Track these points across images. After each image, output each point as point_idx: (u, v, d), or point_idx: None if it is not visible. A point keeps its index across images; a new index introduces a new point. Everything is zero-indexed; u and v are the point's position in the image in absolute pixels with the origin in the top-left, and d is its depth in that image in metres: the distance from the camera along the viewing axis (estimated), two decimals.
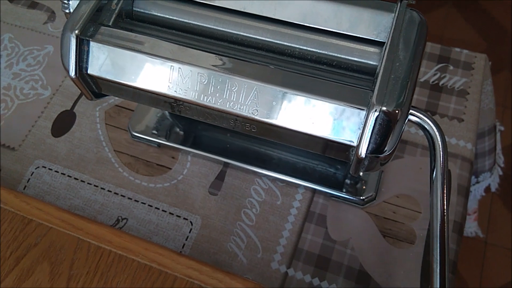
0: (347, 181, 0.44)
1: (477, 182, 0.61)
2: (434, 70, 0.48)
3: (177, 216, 0.43)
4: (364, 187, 0.43)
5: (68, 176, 0.46)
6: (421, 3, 1.42)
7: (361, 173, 0.29)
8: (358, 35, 0.31)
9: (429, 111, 0.46)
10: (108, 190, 0.45)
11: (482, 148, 0.57)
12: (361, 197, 0.41)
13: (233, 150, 0.46)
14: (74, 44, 0.31)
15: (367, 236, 0.41)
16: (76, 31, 0.31)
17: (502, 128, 0.63)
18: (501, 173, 0.63)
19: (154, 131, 0.47)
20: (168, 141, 0.46)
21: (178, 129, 0.48)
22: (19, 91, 0.52)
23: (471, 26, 1.40)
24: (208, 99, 0.30)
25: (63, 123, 0.49)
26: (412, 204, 0.42)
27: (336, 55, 0.32)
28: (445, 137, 0.44)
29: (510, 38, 1.37)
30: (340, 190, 0.43)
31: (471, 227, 0.75)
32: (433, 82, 0.48)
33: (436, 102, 0.47)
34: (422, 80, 0.48)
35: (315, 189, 0.43)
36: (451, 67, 0.48)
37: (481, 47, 1.36)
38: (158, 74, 0.31)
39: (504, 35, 1.38)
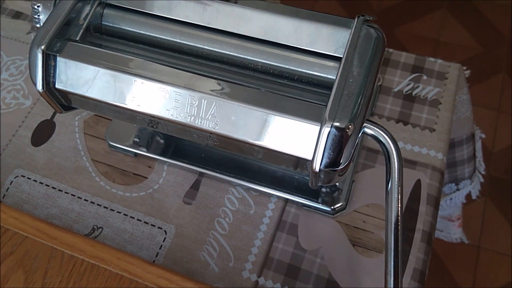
0: (324, 189, 0.44)
1: (457, 190, 0.61)
2: (407, 80, 0.49)
3: (151, 225, 0.44)
4: (340, 195, 0.43)
5: (46, 185, 0.47)
6: (415, 6, 1.43)
7: (318, 184, 0.30)
8: (317, 50, 0.31)
9: (402, 121, 0.47)
10: (85, 199, 0.45)
11: (461, 156, 0.58)
12: (332, 207, 0.42)
13: (212, 158, 0.46)
14: (41, 59, 0.32)
15: (337, 245, 0.41)
16: (43, 47, 0.32)
17: (483, 136, 0.64)
18: (482, 180, 0.63)
19: (136, 139, 0.48)
20: (147, 150, 0.47)
21: (158, 138, 0.48)
22: (1, 101, 0.52)
23: (467, 30, 1.41)
24: (170, 114, 0.31)
25: (43, 132, 0.50)
26: (381, 213, 0.42)
27: (297, 69, 0.32)
28: (416, 147, 0.45)
29: (505, 41, 1.37)
30: (316, 198, 0.43)
31: (456, 233, 0.75)
32: (406, 92, 0.48)
33: (409, 112, 0.47)
34: (395, 90, 0.49)
35: (287, 199, 0.44)
36: (425, 77, 0.49)
37: (477, 51, 1.37)
38: (121, 88, 0.32)
39: (500, 38, 1.38)
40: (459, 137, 0.56)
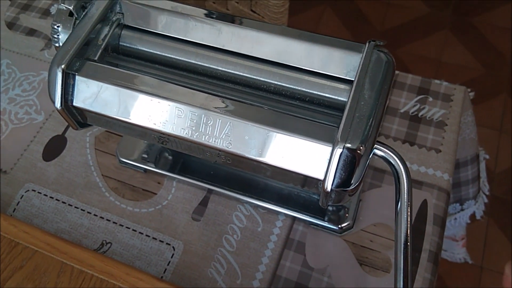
0: (330, 208, 0.45)
1: (462, 210, 0.62)
2: (414, 101, 0.50)
3: (160, 241, 0.44)
4: (346, 214, 0.44)
5: (56, 199, 0.47)
6: (418, 27, 1.45)
7: (329, 204, 0.31)
8: (329, 73, 0.32)
9: (408, 142, 0.48)
10: (94, 214, 0.46)
11: (466, 177, 0.58)
12: (339, 226, 0.42)
13: (218, 175, 0.47)
14: (60, 78, 0.33)
15: (344, 264, 0.41)
16: (62, 66, 0.33)
17: (487, 157, 0.65)
18: (486, 200, 0.64)
19: (144, 155, 0.49)
20: (155, 166, 0.48)
21: (166, 154, 0.49)
22: (13, 116, 0.53)
23: (468, 51, 1.43)
24: (185, 132, 0.32)
25: (54, 147, 0.51)
26: (388, 233, 0.43)
27: (308, 91, 0.33)
28: (422, 167, 0.45)
29: (506, 62, 1.39)
30: (323, 216, 0.44)
31: (460, 253, 0.75)
32: (412, 113, 0.49)
33: (415, 132, 0.48)
34: (402, 111, 0.50)
35: (295, 217, 0.44)
36: (431, 99, 0.50)
37: (479, 72, 1.38)
38: (139, 107, 0.32)
39: (501, 60, 1.40)
40: (464, 157, 0.57)
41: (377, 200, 0.44)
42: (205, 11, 0.35)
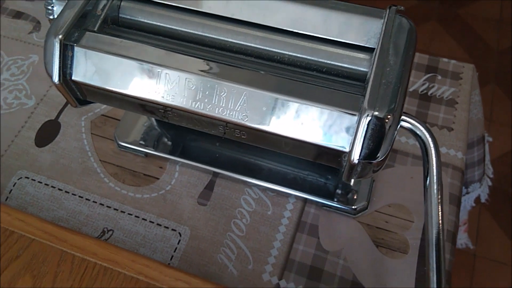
0: (338, 191, 0.43)
1: (467, 193, 0.61)
2: (422, 80, 0.48)
3: (165, 227, 0.42)
4: (355, 196, 0.42)
5: (52, 187, 0.44)
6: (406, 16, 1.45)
7: (352, 181, 0.29)
8: (347, 41, 0.31)
9: None
10: (93, 201, 0.43)
11: (472, 159, 0.57)
12: (353, 207, 0.41)
13: (222, 160, 0.45)
14: (58, 49, 0.30)
15: (359, 246, 0.40)
16: (60, 36, 0.30)
17: (491, 139, 0.64)
18: (490, 183, 0.63)
19: (142, 141, 0.46)
20: (155, 151, 0.45)
21: (165, 139, 0.47)
22: (2, 101, 0.50)
23: (456, 42, 1.43)
24: (197, 105, 0.30)
25: (47, 133, 0.48)
26: (404, 213, 0.41)
27: (325, 61, 0.31)
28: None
29: (493, 53, 1.39)
30: (331, 200, 0.42)
31: (462, 239, 0.74)
32: (421, 91, 0.48)
33: (426, 111, 0.47)
34: (411, 90, 0.48)
35: (306, 199, 0.42)
36: (439, 77, 0.48)
37: (466, 62, 1.39)
38: (145, 79, 0.30)
39: (488, 51, 1.41)
40: (471, 139, 0.55)
41: (390, 180, 0.43)
42: None
